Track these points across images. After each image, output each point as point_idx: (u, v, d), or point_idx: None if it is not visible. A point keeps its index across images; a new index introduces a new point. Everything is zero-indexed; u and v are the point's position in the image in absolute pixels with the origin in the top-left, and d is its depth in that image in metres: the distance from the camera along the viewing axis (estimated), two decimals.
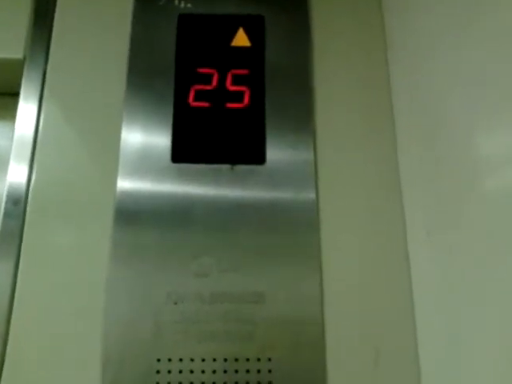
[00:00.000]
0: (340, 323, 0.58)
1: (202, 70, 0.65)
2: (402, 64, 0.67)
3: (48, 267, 0.58)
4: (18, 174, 0.62)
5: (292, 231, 0.61)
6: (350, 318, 0.59)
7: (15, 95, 0.65)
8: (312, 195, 0.62)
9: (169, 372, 0.55)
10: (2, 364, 0.55)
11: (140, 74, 0.65)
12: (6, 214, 0.60)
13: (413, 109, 0.63)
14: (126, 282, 0.57)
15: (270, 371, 0.55)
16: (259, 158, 0.63)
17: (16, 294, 0.57)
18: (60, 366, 0.55)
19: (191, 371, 0.55)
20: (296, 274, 0.59)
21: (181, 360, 0.55)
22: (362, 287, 0.60)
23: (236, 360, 0.55)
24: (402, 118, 0.66)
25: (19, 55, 0.66)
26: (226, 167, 0.62)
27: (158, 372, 0.54)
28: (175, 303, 0.57)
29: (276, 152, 0.63)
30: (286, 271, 0.59)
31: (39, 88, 0.65)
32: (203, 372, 0.55)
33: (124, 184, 0.61)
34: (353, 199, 0.64)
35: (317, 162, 0.64)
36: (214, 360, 0.55)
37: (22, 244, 0.59)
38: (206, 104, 0.64)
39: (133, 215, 0.60)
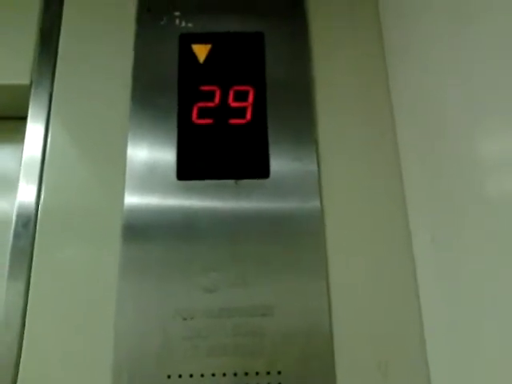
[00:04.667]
0: (348, 335, 0.58)
1: (204, 88, 0.66)
2: (401, 71, 0.67)
3: (58, 286, 0.59)
4: (27, 194, 0.63)
5: (298, 243, 0.61)
6: (359, 328, 0.59)
7: (23, 119, 0.67)
8: (317, 206, 0.63)
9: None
10: (16, 378, 0.56)
11: (144, 94, 0.67)
12: (16, 235, 0.61)
13: (414, 115, 0.63)
14: (135, 298, 0.58)
15: None
16: (263, 172, 0.64)
17: (27, 313, 0.58)
18: (71, 381, 0.56)
19: None
20: (303, 286, 0.59)
21: (191, 376, 0.55)
22: (369, 296, 0.60)
23: (246, 374, 0.56)
24: (403, 124, 0.66)
25: (26, 81, 0.68)
26: (230, 182, 0.63)
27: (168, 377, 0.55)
28: (184, 319, 0.57)
29: (280, 165, 0.64)
30: (293, 283, 0.59)
31: (46, 111, 0.67)
32: None
33: (131, 201, 0.62)
34: (357, 208, 0.64)
35: (320, 173, 0.65)
36: (224, 375, 0.55)
37: (33, 263, 0.60)
38: (209, 121, 0.65)
39: (140, 231, 0.61)
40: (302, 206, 0.63)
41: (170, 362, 0.56)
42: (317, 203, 0.63)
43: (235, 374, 0.56)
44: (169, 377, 0.55)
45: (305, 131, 0.66)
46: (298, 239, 0.61)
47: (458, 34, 0.51)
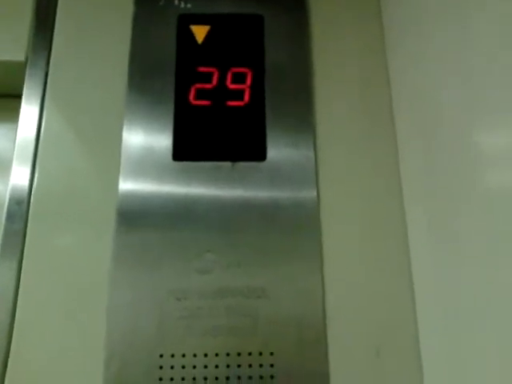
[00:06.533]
0: (341, 317, 0.58)
1: (202, 69, 0.66)
2: (400, 61, 0.67)
3: (51, 266, 0.59)
4: (20, 175, 0.62)
5: (294, 229, 0.61)
6: (351, 311, 0.59)
7: (17, 97, 0.66)
8: (313, 192, 0.63)
9: (172, 367, 0.55)
10: (7, 360, 0.55)
11: (141, 75, 0.66)
12: (10, 215, 0.60)
13: (412, 105, 0.63)
14: (129, 280, 0.58)
15: (272, 365, 0.55)
16: (260, 154, 0.63)
17: (20, 293, 0.58)
18: (63, 362, 0.56)
19: (194, 366, 0.55)
20: (298, 271, 0.59)
21: (183, 355, 0.55)
22: (363, 282, 0.60)
23: (238, 354, 0.56)
24: (401, 113, 0.66)
25: (21, 57, 0.67)
26: (226, 164, 0.63)
27: (160, 367, 0.55)
28: (178, 299, 0.57)
29: (276, 149, 0.64)
30: (287, 267, 0.59)
31: (41, 90, 0.66)
32: (206, 367, 0.55)
33: (126, 184, 0.61)
34: (353, 196, 0.64)
35: (317, 159, 0.64)
36: (217, 355, 0.55)
37: (25, 244, 0.59)
38: (206, 102, 0.65)
39: (135, 215, 0.60)
40: (298, 192, 0.62)
41: (162, 341, 0.55)
42: (313, 189, 0.63)
43: (228, 354, 0.55)
44: (161, 356, 0.55)
45: (303, 116, 0.66)
46: (294, 225, 0.61)
47: (458, 29, 0.51)
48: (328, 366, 0.56)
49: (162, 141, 0.63)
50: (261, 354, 0.56)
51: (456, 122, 0.52)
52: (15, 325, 0.56)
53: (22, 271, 0.58)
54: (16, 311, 0.57)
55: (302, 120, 0.66)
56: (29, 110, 0.65)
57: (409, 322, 0.59)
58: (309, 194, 0.62)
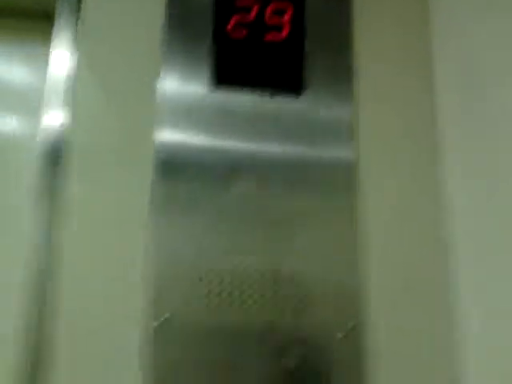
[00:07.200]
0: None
1: (241, 3, 0.65)
2: (444, 21, 0.67)
3: (87, 217, 0.58)
4: (52, 119, 0.60)
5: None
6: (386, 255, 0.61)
7: (50, 19, 0.64)
8: (347, 148, 0.64)
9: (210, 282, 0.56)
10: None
11: (179, 9, 0.65)
12: (44, 168, 0.59)
13: (454, 65, 0.64)
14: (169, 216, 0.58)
15: (305, 284, 0.57)
16: (297, 87, 0.64)
17: (56, 246, 0.56)
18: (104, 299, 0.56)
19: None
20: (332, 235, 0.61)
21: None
22: (399, 242, 0.62)
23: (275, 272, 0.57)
24: (443, 75, 0.66)
25: None
26: (265, 98, 0.63)
27: (200, 280, 0.56)
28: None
29: (313, 87, 0.64)
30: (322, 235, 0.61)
31: (75, 14, 0.64)
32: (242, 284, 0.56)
33: (163, 131, 0.61)
34: (392, 153, 0.64)
35: (356, 113, 0.65)
36: (254, 271, 0.57)
37: (62, 196, 0.58)
38: (245, 33, 0.64)
39: (171, 164, 0.60)
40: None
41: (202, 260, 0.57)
42: (348, 147, 0.64)
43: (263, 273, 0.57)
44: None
45: (341, 62, 0.66)
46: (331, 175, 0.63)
47: None
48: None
49: (201, 70, 0.63)
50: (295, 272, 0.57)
51: (498, 82, 0.53)
52: (53, 276, 0.55)
53: (59, 223, 0.57)
54: (53, 264, 0.55)
55: (340, 65, 0.66)
56: (61, 36, 0.63)
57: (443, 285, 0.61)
58: (343, 149, 0.64)
